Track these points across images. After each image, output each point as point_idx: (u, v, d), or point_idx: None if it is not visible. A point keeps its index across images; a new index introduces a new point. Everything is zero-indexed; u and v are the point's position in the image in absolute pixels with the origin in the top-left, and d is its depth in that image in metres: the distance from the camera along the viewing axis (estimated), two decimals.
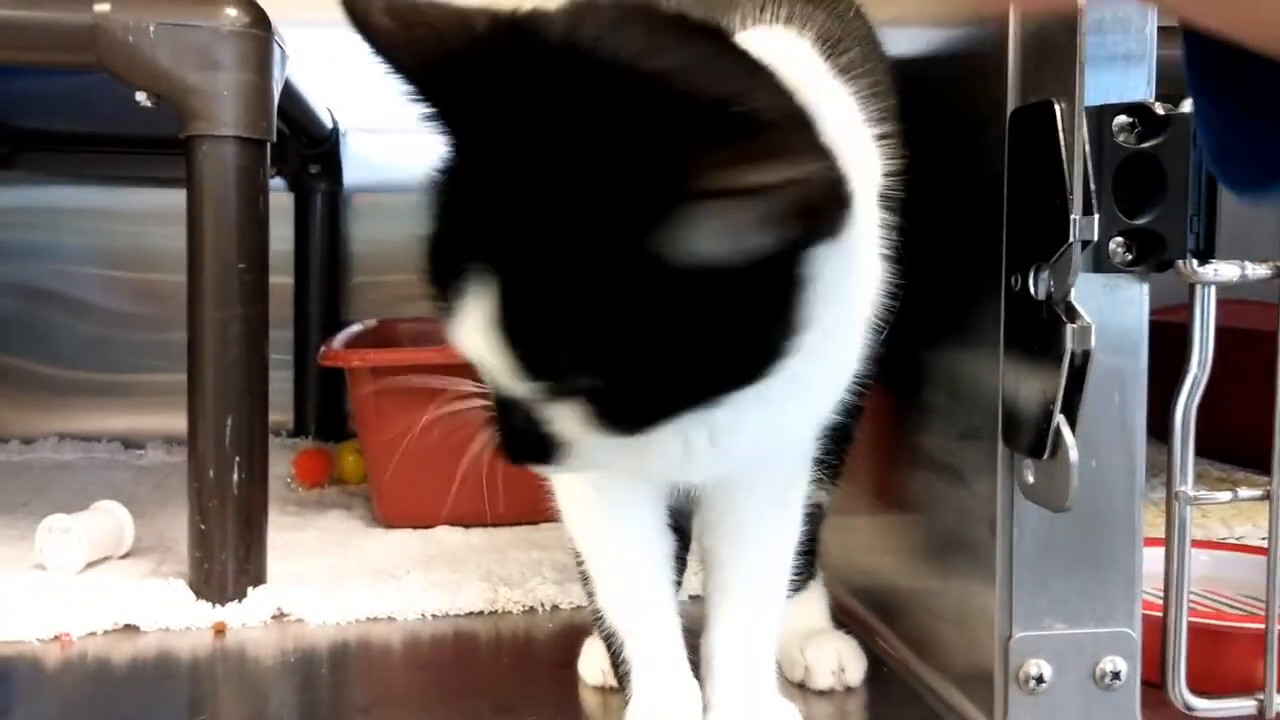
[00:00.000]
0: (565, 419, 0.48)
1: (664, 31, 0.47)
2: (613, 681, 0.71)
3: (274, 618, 0.91)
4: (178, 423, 1.51)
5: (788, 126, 0.43)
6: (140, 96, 0.88)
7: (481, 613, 0.93)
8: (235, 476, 0.90)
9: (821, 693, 0.76)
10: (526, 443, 0.49)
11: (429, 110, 0.46)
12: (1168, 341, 0.63)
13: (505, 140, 0.45)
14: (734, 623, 0.67)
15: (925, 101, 0.67)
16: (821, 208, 0.42)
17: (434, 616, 0.92)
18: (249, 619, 0.90)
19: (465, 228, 0.46)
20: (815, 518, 0.79)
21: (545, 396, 0.47)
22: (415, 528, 1.15)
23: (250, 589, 0.92)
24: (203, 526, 0.91)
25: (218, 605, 0.90)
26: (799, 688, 0.77)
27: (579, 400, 0.46)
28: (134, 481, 1.38)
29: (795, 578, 0.80)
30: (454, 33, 0.45)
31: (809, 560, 0.80)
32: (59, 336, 1.56)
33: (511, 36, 0.46)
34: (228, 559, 0.91)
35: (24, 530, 1.13)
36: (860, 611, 0.88)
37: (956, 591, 0.72)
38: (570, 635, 0.86)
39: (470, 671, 0.84)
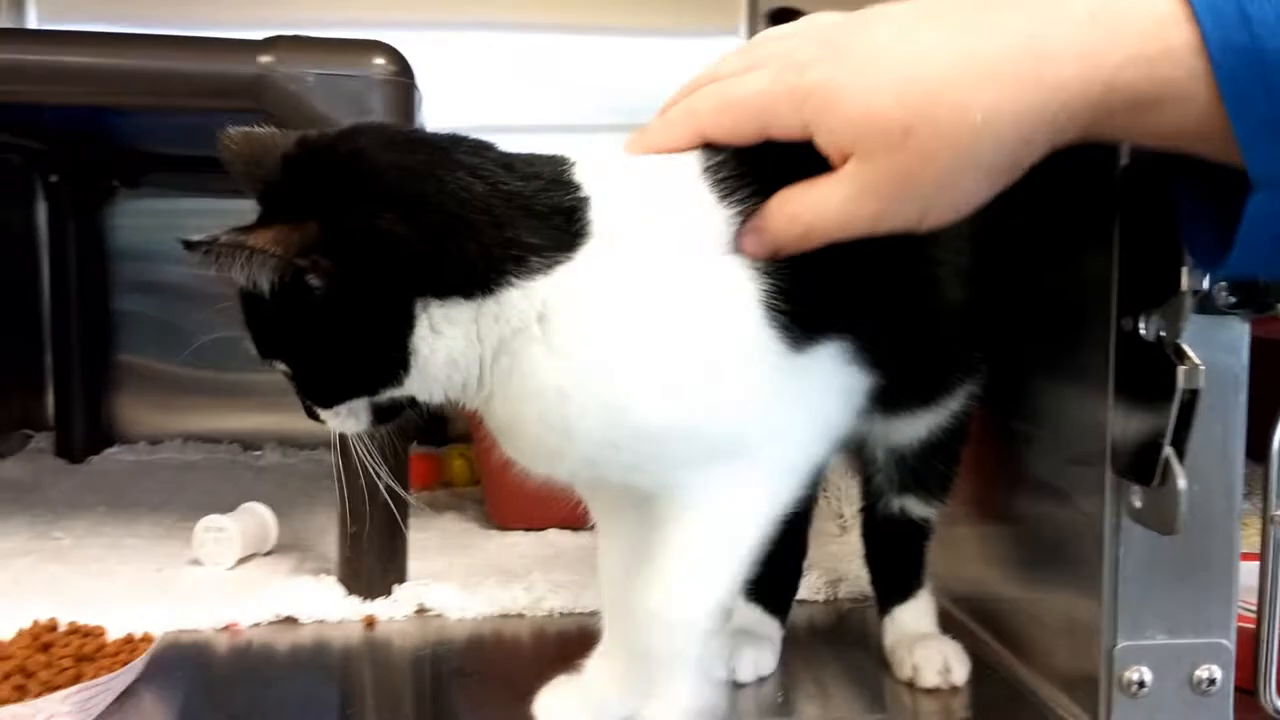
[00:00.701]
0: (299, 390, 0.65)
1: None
2: None
3: (417, 612, 0.99)
4: (291, 424, 1.63)
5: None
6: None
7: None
8: (382, 482, 0.98)
9: (928, 691, 0.83)
10: (304, 404, 0.67)
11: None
12: (1264, 356, 0.69)
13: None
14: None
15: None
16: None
17: (560, 614, 0.99)
18: (395, 614, 0.98)
19: None
20: (923, 532, 0.86)
21: (287, 373, 0.65)
22: (528, 530, 1.23)
23: (395, 586, 1.00)
24: (353, 528, 0.99)
25: (367, 600, 0.99)
26: (907, 686, 0.83)
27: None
28: (256, 482, 1.47)
29: (908, 582, 0.86)
30: (267, 158, 0.63)
31: (917, 571, 0.87)
32: (182, 338, 1.64)
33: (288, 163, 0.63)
34: (374, 558, 0.99)
35: (168, 529, 1.22)
36: (962, 618, 0.94)
37: (1062, 603, 0.78)
38: None
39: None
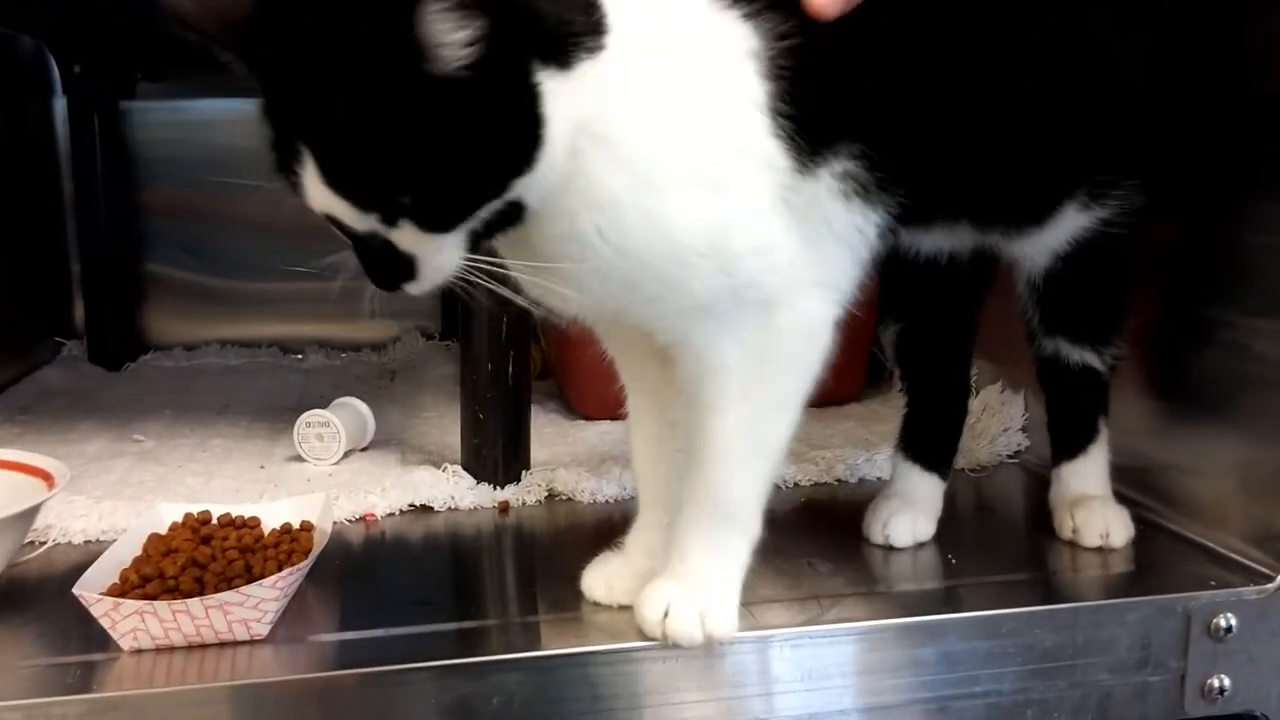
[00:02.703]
0: (405, 237, 0.60)
1: None
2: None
3: (548, 497, 0.98)
4: (326, 329, 1.60)
5: None
6: None
7: None
8: (510, 369, 0.96)
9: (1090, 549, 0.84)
10: (389, 269, 0.61)
11: (233, 60, 0.58)
12: None
13: (285, 49, 0.57)
14: (681, 513, 0.70)
15: None
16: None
17: None
18: (527, 499, 0.97)
19: (282, 122, 0.59)
20: (1084, 383, 0.85)
21: (383, 225, 0.59)
22: (613, 419, 1.22)
23: (523, 473, 0.99)
24: (480, 416, 0.97)
25: (498, 488, 0.97)
26: (1068, 544, 0.85)
27: (405, 218, 0.59)
28: (309, 384, 1.44)
29: (1076, 439, 0.87)
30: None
31: (1082, 427, 0.87)
32: (214, 247, 1.59)
33: None
34: (502, 445, 0.98)
35: (247, 428, 1.20)
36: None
37: (1242, 459, 0.79)
38: (808, 510, 0.96)
39: None
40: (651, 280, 0.63)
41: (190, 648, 0.67)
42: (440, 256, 0.61)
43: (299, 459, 1.07)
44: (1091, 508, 0.85)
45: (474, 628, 0.72)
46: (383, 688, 0.66)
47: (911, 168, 0.66)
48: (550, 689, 0.68)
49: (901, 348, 0.90)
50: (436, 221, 0.59)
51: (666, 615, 0.68)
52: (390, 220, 0.59)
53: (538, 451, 1.04)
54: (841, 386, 1.28)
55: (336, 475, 1.03)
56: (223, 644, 0.68)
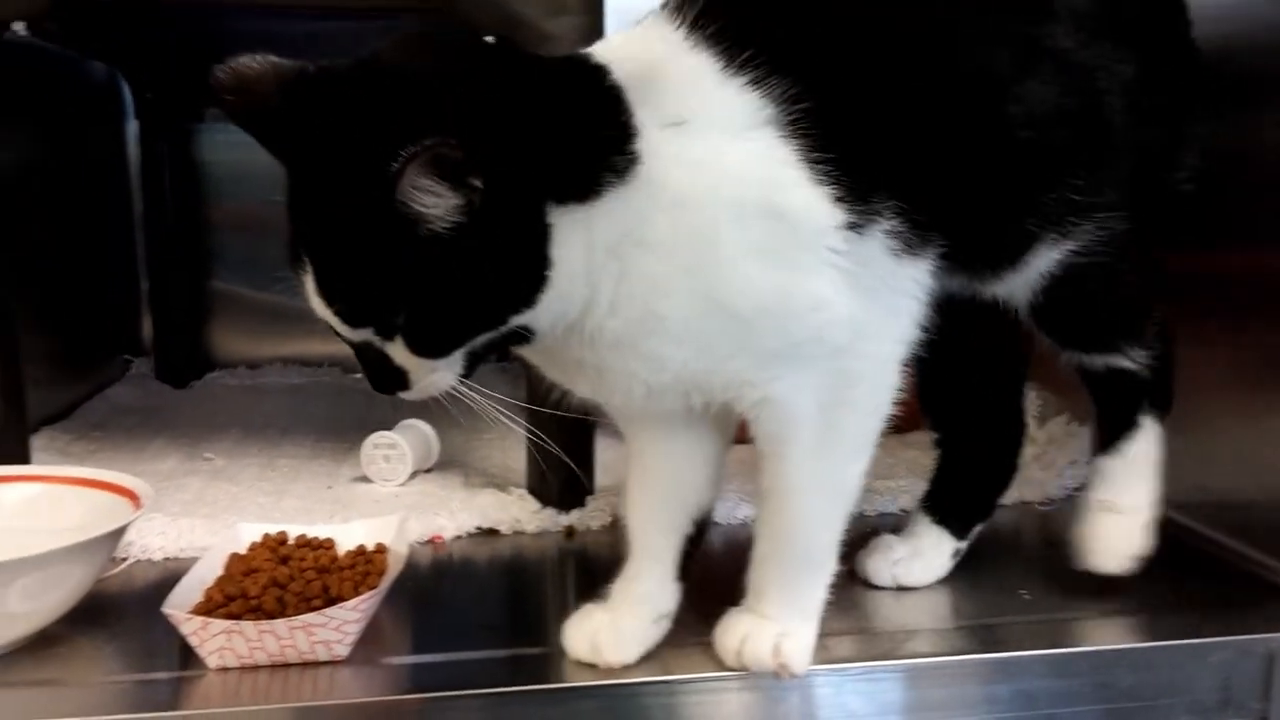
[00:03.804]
0: (398, 352, 0.61)
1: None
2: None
3: (612, 522, 0.99)
4: None
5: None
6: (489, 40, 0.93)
7: None
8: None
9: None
10: (383, 376, 0.62)
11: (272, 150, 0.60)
12: None
13: (298, 163, 0.59)
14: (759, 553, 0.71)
15: None
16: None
17: (752, 522, 0.99)
18: (591, 523, 0.98)
19: (295, 226, 0.60)
20: (1131, 379, 0.80)
21: (376, 338, 0.60)
22: None
23: (587, 497, 1.00)
24: (544, 440, 0.98)
25: (562, 512, 0.98)
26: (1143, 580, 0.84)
27: (398, 336, 0.60)
28: (368, 404, 1.44)
29: (1110, 432, 0.82)
30: (269, 92, 0.59)
31: (1126, 417, 0.81)
32: (278, 266, 1.61)
33: (291, 92, 0.59)
34: (565, 470, 0.98)
35: (313, 447, 1.21)
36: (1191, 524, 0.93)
37: None
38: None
39: None
40: (723, 339, 0.63)
41: (273, 667, 0.69)
42: (434, 376, 0.62)
43: (365, 480, 1.09)
44: (1103, 519, 0.81)
45: (540, 654, 0.73)
46: (455, 713, 0.67)
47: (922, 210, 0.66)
48: (622, 718, 0.69)
49: (926, 395, 0.86)
50: (427, 349, 0.61)
51: (743, 643, 0.68)
52: (384, 335, 0.60)
53: (602, 476, 1.05)
54: (903, 415, 1.27)
55: (403, 496, 1.05)
56: (304, 664, 0.69)
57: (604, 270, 0.61)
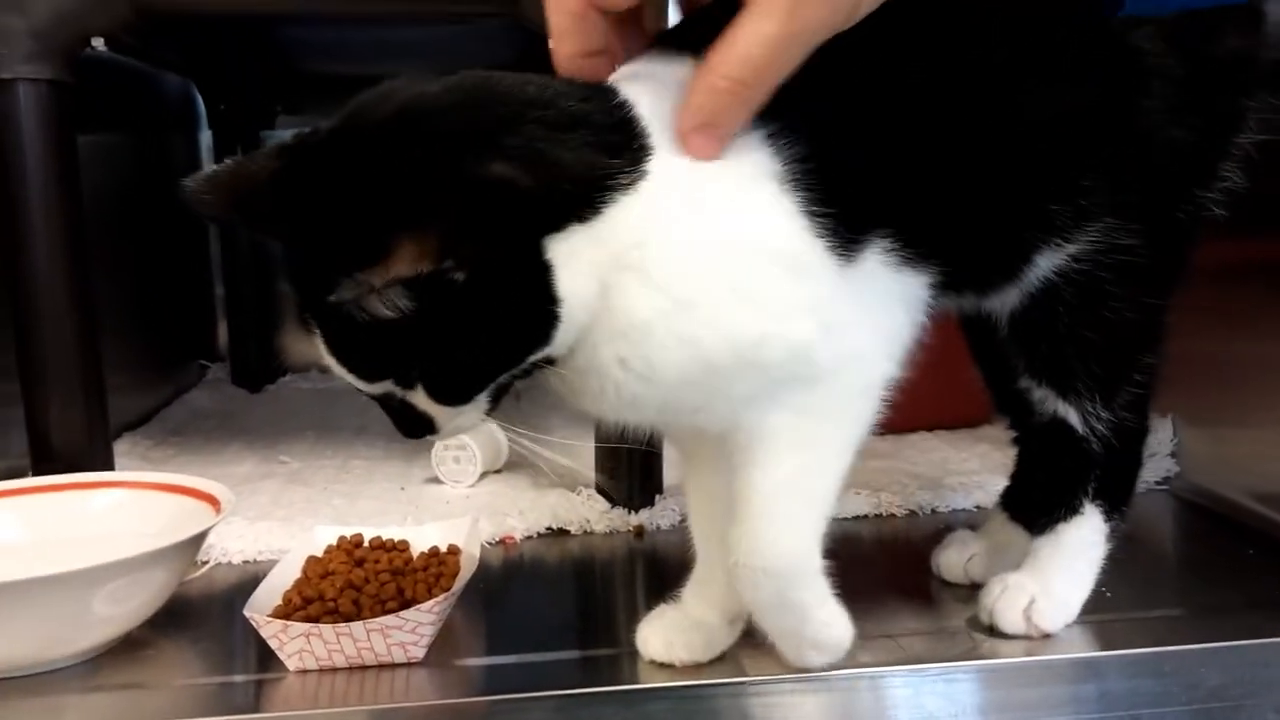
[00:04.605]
0: (420, 400, 0.60)
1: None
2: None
3: (681, 521, 0.98)
4: None
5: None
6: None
7: (866, 516, 1.00)
8: None
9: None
10: (409, 423, 0.62)
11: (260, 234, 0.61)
12: None
13: (287, 240, 0.58)
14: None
15: None
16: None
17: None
18: (661, 522, 0.98)
19: (296, 290, 0.59)
20: (1072, 444, 0.74)
21: (396, 388, 0.60)
22: None
23: (656, 496, 1.00)
24: (613, 439, 0.98)
25: (632, 512, 0.98)
26: (1225, 577, 0.81)
27: (418, 385, 0.59)
28: None
29: (1043, 508, 0.76)
30: (246, 184, 0.57)
31: (1064, 497, 0.75)
32: None
33: (278, 174, 0.57)
34: (636, 470, 0.99)
35: (384, 449, 1.23)
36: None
37: None
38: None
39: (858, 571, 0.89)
40: (691, 395, 0.60)
41: (351, 669, 0.70)
42: (459, 418, 0.62)
43: (436, 481, 1.10)
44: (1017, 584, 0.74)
45: (612, 655, 0.73)
46: (530, 713, 0.67)
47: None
48: (696, 718, 0.68)
49: (998, 393, 0.82)
50: (448, 398, 0.60)
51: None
52: (404, 386, 0.60)
53: (671, 475, 1.05)
54: (973, 408, 1.25)
55: (474, 497, 1.06)
56: (380, 666, 0.70)
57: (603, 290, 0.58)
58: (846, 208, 0.59)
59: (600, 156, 0.56)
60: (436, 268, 0.53)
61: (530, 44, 0.97)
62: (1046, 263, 0.69)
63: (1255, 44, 0.70)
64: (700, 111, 0.57)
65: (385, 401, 0.62)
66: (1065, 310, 0.70)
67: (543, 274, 0.56)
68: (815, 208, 0.59)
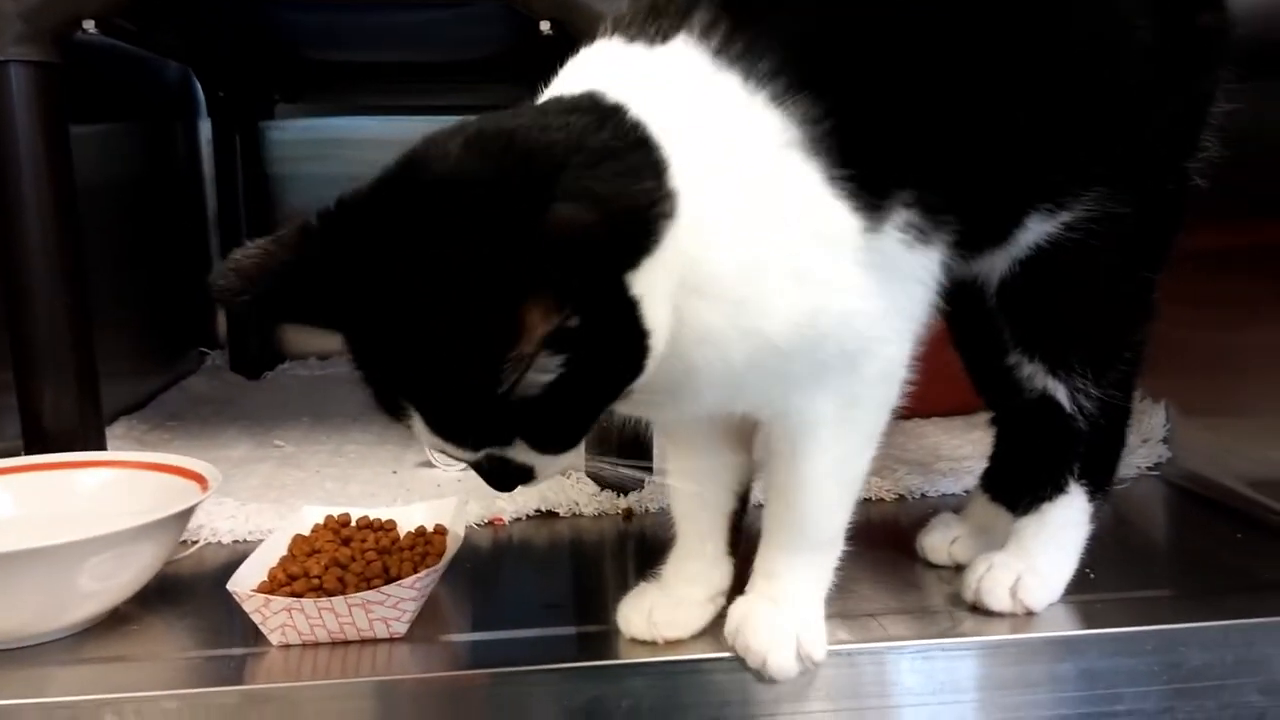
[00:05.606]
0: (519, 454, 0.60)
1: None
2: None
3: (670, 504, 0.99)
4: None
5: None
6: (544, 26, 0.93)
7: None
8: None
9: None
10: (506, 477, 0.62)
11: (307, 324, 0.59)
12: None
13: (369, 317, 0.57)
14: (771, 540, 0.70)
15: None
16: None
17: None
18: (650, 505, 0.98)
19: (381, 380, 0.60)
20: (1058, 421, 0.74)
21: (496, 452, 0.60)
22: None
23: (645, 479, 1.00)
24: (604, 424, 0.98)
25: (621, 495, 0.98)
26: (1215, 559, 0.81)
27: (519, 441, 0.59)
28: None
29: (1028, 489, 0.77)
30: (289, 279, 0.58)
31: (1051, 477, 0.76)
32: None
33: (334, 246, 0.58)
34: (623, 454, 0.99)
35: (379, 434, 1.24)
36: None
37: None
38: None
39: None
40: (756, 378, 0.62)
41: (333, 644, 0.70)
42: (559, 462, 0.62)
43: (429, 465, 1.10)
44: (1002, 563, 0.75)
45: (599, 631, 0.73)
46: (515, 687, 0.68)
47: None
48: (678, 695, 0.69)
49: (976, 375, 0.83)
50: (556, 447, 0.61)
51: (744, 626, 0.68)
52: (504, 444, 0.59)
53: (660, 458, 1.05)
54: (970, 395, 1.25)
55: (465, 480, 1.06)
56: (363, 641, 0.71)
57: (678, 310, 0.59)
58: (868, 167, 0.61)
59: (632, 183, 0.57)
60: (561, 318, 0.52)
61: (525, 27, 0.98)
62: (1040, 227, 0.70)
63: (1224, 19, 0.72)
64: None
65: (483, 463, 0.61)
66: (1059, 280, 0.71)
67: (632, 310, 0.56)
68: (838, 170, 0.60)
